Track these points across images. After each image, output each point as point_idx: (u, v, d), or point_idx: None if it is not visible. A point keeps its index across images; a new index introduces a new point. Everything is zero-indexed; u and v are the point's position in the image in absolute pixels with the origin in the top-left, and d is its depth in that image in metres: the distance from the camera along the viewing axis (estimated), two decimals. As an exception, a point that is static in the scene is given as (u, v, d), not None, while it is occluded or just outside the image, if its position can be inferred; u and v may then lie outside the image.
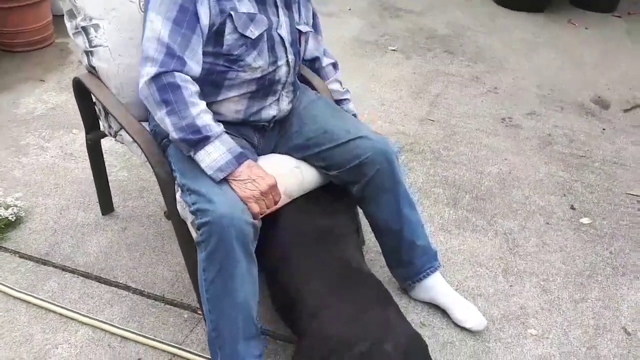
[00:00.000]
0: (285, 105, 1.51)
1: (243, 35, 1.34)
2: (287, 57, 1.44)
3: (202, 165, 1.27)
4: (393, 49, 3.42)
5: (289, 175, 1.52)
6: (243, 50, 1.35)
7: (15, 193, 1.99)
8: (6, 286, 1.69)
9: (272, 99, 1.47)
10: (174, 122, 1.25)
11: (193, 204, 1.27)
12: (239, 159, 1.28)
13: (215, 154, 1.26)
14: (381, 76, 3.08)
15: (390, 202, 1.55)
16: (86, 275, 1.76)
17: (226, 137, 1.29)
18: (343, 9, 3.97)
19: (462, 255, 1.90)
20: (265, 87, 1.43)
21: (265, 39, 1.38)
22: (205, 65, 1.33)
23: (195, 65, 1.29)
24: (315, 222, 1.50)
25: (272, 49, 1.40)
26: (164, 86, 1.24)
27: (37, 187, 2.10)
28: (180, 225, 1.39)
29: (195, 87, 1.28)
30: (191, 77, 1.28)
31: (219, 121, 1.35)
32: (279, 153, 1.58)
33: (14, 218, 1.91)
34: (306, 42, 1.60)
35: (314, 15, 1.63)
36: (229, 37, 1.33)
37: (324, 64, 1.71)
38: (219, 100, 1.40)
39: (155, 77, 1.24)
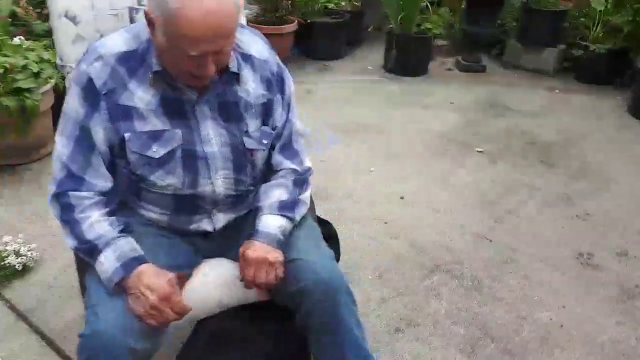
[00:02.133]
0: (221, 220, 1.37)
1: (144, 155, 1.24)
2: (211, 176, 1.28)
3: (100, 276, 1.20)
4: (480, 150, 3.09)
5: (227, 285, 1.37)
6: (146, 170, 1.25)
7: (31, 244, 2.10)
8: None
9: (200, 216, 1.34)
10: (72, 238, 1.23)
11: (85, 309, 1.19)
12: (127, 267, 1.17)
13: (106, 264, 1.18)
14: (451, 179, 2.77)
15: (331, 346, 1.29)
16: (48, 342, 1.74)
17: (121, 243, 1.20)
18: (444, 103, 3.74)
19: None
20: (186, 205, 1.31)
21: (179, 156, 1.25)
22: (125, 176, 1.28)
23: (100, 181, 1.25)
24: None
25: (189, 167, 1.26)
26: (61, 207, 1.24)
27: (56, 240, 2.19)
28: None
29: (90, 201, 1.23)
30: (98, 191, 1.24)
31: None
32: (230, 258, 1.42)
33: (21, 267, 2.00)
34: (267, 157, 1.39)
35: (286, 126, 1.39)
36: (131, 156, 1.24)
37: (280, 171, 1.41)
38: (143, 209, 1.33)
39: (54, 197, 1.25)
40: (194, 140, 1.26)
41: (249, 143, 1.32)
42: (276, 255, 1.27)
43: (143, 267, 1.17)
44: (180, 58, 1.13)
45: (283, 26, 4.05)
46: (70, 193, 1.23)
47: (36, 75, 2.50)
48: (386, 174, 2.78)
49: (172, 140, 1.24)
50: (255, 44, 1.34)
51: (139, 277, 1.16)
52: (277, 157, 1.40)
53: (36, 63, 2.52)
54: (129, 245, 1.21)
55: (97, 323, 1.12)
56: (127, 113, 1.22)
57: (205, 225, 1.36)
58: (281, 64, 1.40)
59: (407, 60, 4.15)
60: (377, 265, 2.12)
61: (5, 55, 2.48)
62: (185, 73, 1.17)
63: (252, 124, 1.32)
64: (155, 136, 1.23)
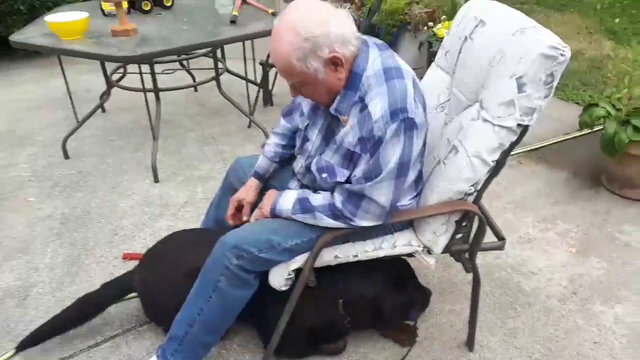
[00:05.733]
0: (294, 187, 1.74)
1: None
2: (302, 159, 1.67)
3: None
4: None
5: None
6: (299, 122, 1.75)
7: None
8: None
9: (293, 176, 1.77)
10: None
11: None
12: (252, 172, 1.84)
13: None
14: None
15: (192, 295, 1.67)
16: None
17: (262, 160, 1.85)
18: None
19: None
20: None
21: (300, 135, 1.71)
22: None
23: (291, 121, 1.82)
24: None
25: (301, 143, 1.69)
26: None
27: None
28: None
29: (279, 129, 1.84)
30: (291, 126, 1.82)
31: None
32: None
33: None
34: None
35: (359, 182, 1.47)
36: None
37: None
38: None
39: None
40: (311, 131, 1.65)
41: (314, 166, 1.60)
42: (266, 209, 1.65)
43: (250, 180, 1.83)
44: None
45: None
46: (282, 117, 1.85)
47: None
48: None
49: (300, 122, 1.72)
50: (379, 99, 1.40)
51: (247, 185, 1.83)
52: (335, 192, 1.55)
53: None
54: (263, 163, 1.84)
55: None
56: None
57: (292, 186, 1.77)
58: (392, 134, 1.38)
59: None
60: None
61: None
62: None
63: (328, 155, 1.55)
64: (301, 112, 1.74)
